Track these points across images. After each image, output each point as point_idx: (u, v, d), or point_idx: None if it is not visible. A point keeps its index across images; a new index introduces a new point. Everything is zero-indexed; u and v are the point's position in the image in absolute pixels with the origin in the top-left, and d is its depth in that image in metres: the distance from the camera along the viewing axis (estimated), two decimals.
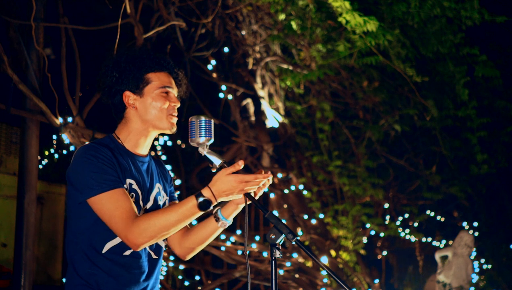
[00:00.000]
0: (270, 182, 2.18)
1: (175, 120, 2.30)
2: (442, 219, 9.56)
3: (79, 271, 2.14)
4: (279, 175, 7.45)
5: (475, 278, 7.79)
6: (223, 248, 6.39)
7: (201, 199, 2.07)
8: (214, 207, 2.28)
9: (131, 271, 2.19)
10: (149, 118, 2.26)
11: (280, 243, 2.12)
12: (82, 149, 2.18)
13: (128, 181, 2.20)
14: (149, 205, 2.27)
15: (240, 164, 2.13)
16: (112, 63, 2.29)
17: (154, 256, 2.28)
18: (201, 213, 2.10)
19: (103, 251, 2.14)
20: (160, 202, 2.32)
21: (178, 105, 2.31)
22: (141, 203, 2.23)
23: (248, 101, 7.73)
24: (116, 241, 2.16)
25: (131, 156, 2.27)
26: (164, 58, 2.33)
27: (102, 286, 2.13)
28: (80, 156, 2.15)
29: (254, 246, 6.48)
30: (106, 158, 2.16)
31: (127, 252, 2.18)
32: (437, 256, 7.62)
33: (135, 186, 2.22)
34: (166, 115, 2.27)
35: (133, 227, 2.07)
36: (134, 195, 2.21)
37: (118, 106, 2.30)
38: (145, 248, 2.24)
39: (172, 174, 8.53)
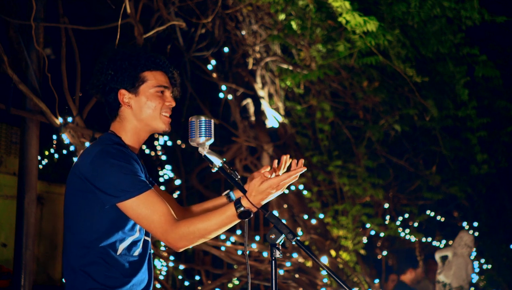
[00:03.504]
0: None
1: (168, 120, 2.29)
2: (442, 219, 9.56)
3: (94, 275, 2.11)
4: None
5: (475, 278, 7.80)
6: (223, 248, 6.39)
7: (240, 209, 2.06)
8: (226, 189, 2.30)
9: (140, 270, 2.22)
10: (143, 117, 2.25)
11: (280, 243, 2.12)
12: (102, 150, 2.12)
13: None
14: None
15: (266, 174, 2.10)
16: (107, 60, 2.27)
17: (149, 251, 2.31)
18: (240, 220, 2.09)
19: (118, 253, 2.14)
20: None
21: (173, 104, 2.30)
22: None
23: (248, 101, 7.72)
24: (127, 242, 2.17)
25: (135, 155, 2.26)
26: (159, 57, 2.31)
27: (119, 288, 2.14)
28: (105, 157, 2.10)
29: (254, 246, 6.48)
30: (133, 159, 2.15)
31: (136, 253, 2.21)
32: (437, 256, 7.62)
33: None
34: (160, 115, 2.26)
35: (173, 233, 2.07)
36: None
37: (113, 104, 2.28)
38: (148, 247, 2.27)
39: (172, 174, 8.44)
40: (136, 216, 2.09)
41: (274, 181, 2.04)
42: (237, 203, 2.06)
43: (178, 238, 2.07)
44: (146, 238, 2.27)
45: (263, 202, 2.09)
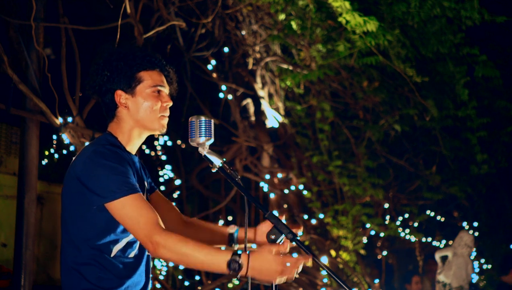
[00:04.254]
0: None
1: (165, 121, 2.28)
2: (442, 219, 9.56)
3: (87, 275, 2.10)
4: (279, 175, 7.45)
5: (475, 278, 7.80)
6: (223, 248, 6.39)
7: (235, 258, 1.98)
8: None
9: (136, 271, 2.20)
10: (140, 118, 2.23)
11: (280, 243, 2.12)
12: (95, 150, 2.11)
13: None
14: None
15: (282, 249, 2.06)
16: (103, 61, 2.26)
17: (147, 253, 2.28)
18: (227, 271, 1.99)
19: (112, 255, 2.12)
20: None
21: (171, 104, 2.28)
22: None
23: (248, 101, 7.72)
24: (121, 244, 2.15)
25: (131, 157, 2.25)
26: (155, 55, 2.30)
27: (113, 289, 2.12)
28: (97, 158, 2.08)
29: (254, 246, 6.48)
30: (124, 160, 2.13)
31: (132, 254, 2.18)
32: (437, 256, 7.62)
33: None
34: (157, 116, 2.24)
35: (159, 236, 1.98)
36: None
37: (109, 105, 2.26)
38: (146, 249, 2.25)
39: (172, 174, 8.44)
40: (122, 218, 2.04)
41: (281, 258, 2.00)
42: (235, 253, 1.99)
43: (162, 244, 1.97)
44: None
45: (257, 279, 2.00)
